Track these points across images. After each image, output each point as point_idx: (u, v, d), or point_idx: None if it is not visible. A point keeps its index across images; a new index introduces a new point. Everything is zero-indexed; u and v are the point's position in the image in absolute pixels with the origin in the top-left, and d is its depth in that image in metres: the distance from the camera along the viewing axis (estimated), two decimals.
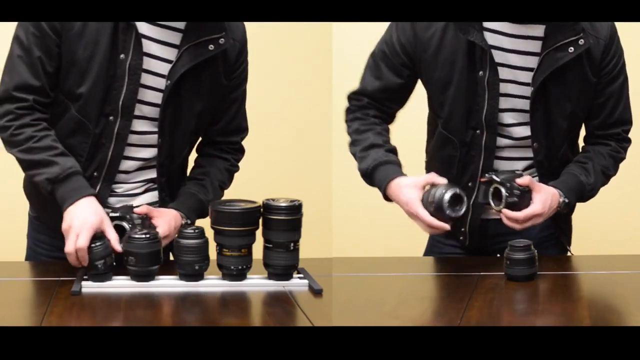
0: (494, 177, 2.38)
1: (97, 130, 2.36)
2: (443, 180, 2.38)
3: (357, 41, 3.82)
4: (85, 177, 2.35)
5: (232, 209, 2.22)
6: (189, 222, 2.39)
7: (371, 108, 2.56)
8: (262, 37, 3.84)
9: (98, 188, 2.39)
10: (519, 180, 2.36)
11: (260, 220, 2.24)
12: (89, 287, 2.19)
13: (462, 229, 2.54)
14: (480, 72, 2.40)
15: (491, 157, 2.47)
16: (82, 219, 2.24)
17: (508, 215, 2.37)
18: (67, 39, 2.31)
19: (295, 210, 2.23)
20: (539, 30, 2.39)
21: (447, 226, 2.34)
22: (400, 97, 2.57)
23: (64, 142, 2.35)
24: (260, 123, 3.81)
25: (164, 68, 2.37)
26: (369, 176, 2.48)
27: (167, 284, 2.23)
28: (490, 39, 2.39)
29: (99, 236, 2.22)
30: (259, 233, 2.25)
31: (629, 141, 2.57)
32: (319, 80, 3.82)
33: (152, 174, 2.46)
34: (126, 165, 2.42)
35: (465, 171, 2.49)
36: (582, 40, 2.38)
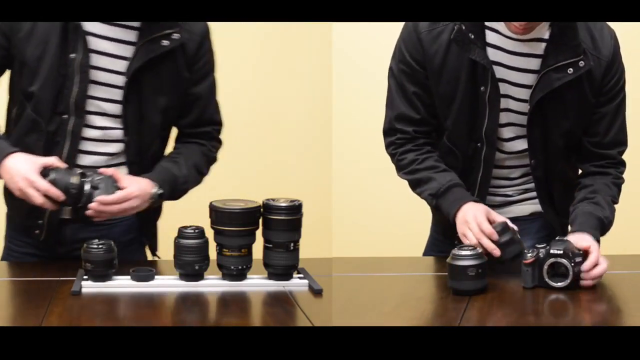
0: (548, 251, 2.23)
1: (50, 128, 2.39)
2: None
3: (357, 41, 3.84)
4: None
5: (232, 209, 2.22)
6: (161, 191, 2.37)
7: (420, 137, 2.50)
8: (262, 37, 3.86)
9: None
10: (583, 245, 2.25)
11: (260, 220, 2.24)
12: (89, 287, 2.19)
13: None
14: (482, 88, 2.40)
15: (489, 169, 2.48)
16: (19, 168, 2.26)
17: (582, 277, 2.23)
18: (16, 42, 2.36)
19: (295, 210, 2.23)
20: (539, 48, 2.38)
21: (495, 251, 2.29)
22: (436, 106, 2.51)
23: (22, 141, 2.38)
24: (260, 123, 3.82)
25: (122, 65, 2.40)
26: (440, 195, 2.42)
27: (167, 284, 2.23)
28: (492, 54, 2.39)
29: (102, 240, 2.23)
30: (259, 233, 2.25)
31: (624, 164, 2.52)
32: (319, 80, 3.82)
33: (122, 169, 2.45)
34: (91, 160, 2.42)
35: (465, 182, 2.48)
36: (582, 62, 2.35)
